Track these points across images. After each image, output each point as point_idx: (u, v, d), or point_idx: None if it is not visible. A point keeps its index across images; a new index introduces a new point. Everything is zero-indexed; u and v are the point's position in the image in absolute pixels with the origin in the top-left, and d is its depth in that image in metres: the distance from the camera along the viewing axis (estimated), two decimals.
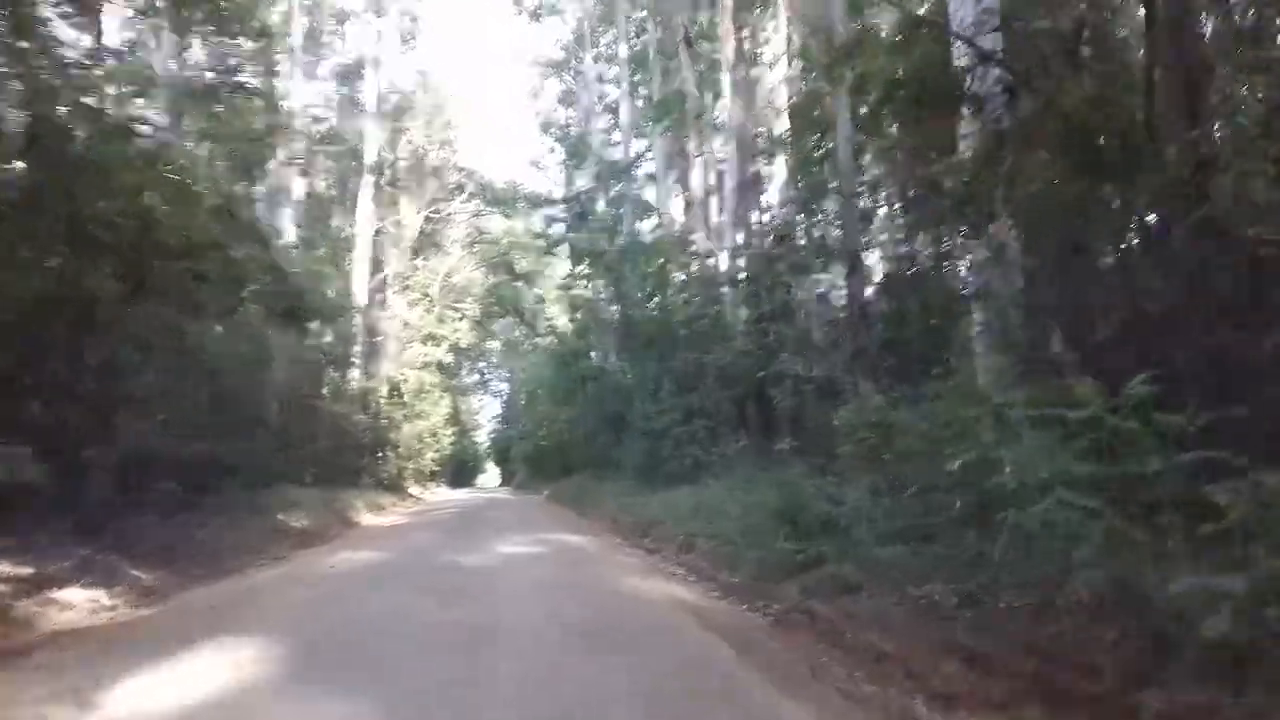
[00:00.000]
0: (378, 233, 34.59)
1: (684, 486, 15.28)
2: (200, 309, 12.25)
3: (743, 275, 16.95)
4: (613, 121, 42.45)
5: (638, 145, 35.86)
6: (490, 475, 71.80)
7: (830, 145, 16.52)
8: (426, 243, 38.70)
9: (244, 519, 14.81)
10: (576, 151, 42.42)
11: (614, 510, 16.68)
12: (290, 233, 24.64)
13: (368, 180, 30.38)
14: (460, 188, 42.97)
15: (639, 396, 19.65)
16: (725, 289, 17.75)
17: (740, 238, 20.04)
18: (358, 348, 29.56)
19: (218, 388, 15.27)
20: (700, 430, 16.92)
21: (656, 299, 21.90)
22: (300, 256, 24.03)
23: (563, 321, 49.78)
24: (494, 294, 48.71)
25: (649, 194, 36.09)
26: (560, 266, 52.64)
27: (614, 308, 25.93)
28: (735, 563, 8.67)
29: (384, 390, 31.19)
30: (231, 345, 15.37)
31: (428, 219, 39.04)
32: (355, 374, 29.29)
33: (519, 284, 51.14)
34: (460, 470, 63.38)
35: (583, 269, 30.57)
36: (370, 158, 30.47)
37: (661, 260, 21.77)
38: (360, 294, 29.67)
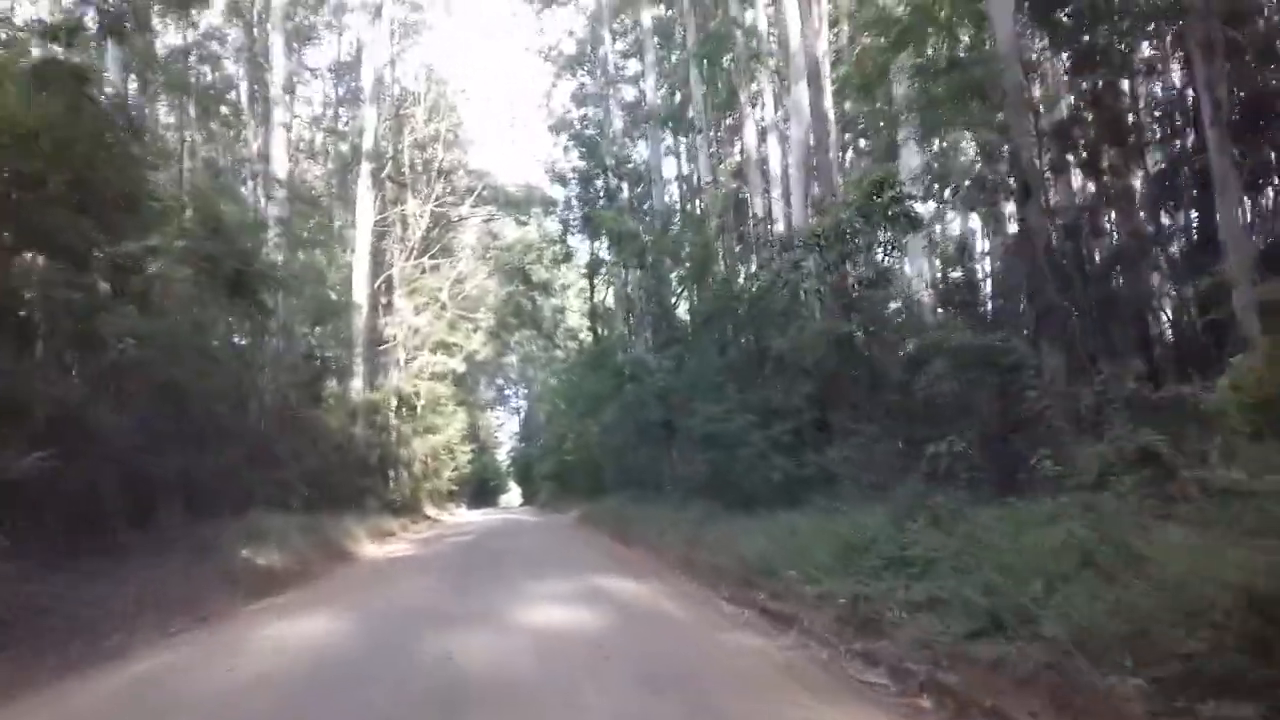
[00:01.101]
0: (383, 233, 30.55)
1: (770, 511, 11.00)
2: (86, 254, 8.05)
3: (820, 233, 12.46)
4: (629, 119, 38.35)
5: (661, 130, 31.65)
6: (513, 495, 67.43)
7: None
8: (436, 248, 34.55)
9: (188, 560, 10.71)
10: (593, 149, 38.30)
11: (678, 542, 12.19)
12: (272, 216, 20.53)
13: (365, 169, 26.30)
14: (471, 190, 38.96)
15: (698, 395, 15.28)
16: (799, 253, 13.24)
17: (816, 190, 15.65)
18: (359, 354, 25.40)
19: (150, 386, 11.04)
20: (785, 436, 12.59)
21: (716, 275, 17.65)
22: (281, 240, 19.92)
23: (583, 331, 45.91)
24: (510, 303, 44.62)
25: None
26: (579, 277, 48.93)
27: (645, 299, 21.61)
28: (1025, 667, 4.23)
29: (391, 402, 26.97)
30: (168, 328, 11.06)
31: (436, 222, 34.96)
32: (357, 384, 25.11)
33: (535, 294, 47.15)
34: (481, 490, 59.18)
35: (607, 257, 26.35)
36: (368, 143, 26.41)
37: (715, 223, 17.47)
38: (360, 294, 25.52)
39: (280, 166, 21.26)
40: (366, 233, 26.41)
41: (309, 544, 14.96)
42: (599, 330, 42.08)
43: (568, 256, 44.53)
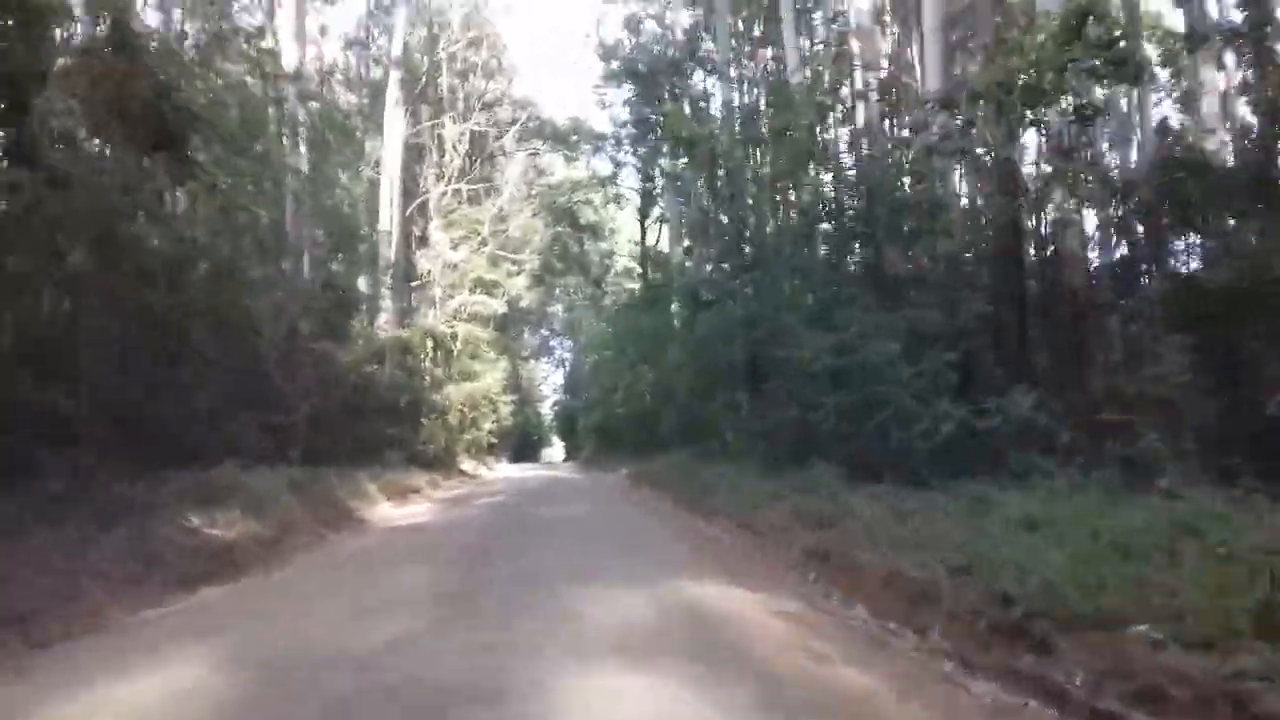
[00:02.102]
0: (417, 155, 26.93)
1: (941, 481, 7.35)
2: None
3: (1001, 84, 8.46)
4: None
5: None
6: (555, 450, 64.22)
7: None
8: (477, 180, 30.89)
9: (103, 528, 7.38)
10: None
11: (792, 522, 8.27)
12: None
13: (394, 78, 22.59)
14: (514, 122, 35.23)
15: (801, 323, 11.44)
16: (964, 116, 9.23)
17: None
18: (388, 287, 21.93)
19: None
20: (947, 372, 8.84)
21: (822, 167, 13.71)
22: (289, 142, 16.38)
23: (634, 277, 42.08)
24: (556, 245, 40.94)
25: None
26: (629, 222, 45.04)
27: (718, 217, 17.65)
28: None
29: (426, 343, 23.48)
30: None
31: (477, 151, 31.29)
32: (385, 320, 21.64)
33: (584, 237, 43.41)
34: (524, 444, 55.99)
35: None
36: (397, 48, 22.70)
37: (819, 100, 13.43)
38: (388, 219, 21.98)
39: (290, 51, 17.59)
40: (396, 151, 22.79)
41: (300, 506, 11.63)
42: (650, 275, 38.37)
43: (618, 198, 40.76)
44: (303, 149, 18.22)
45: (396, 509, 14.71)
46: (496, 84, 34.14)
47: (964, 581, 4.64)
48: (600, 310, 43.54)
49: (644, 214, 40.51)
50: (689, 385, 20.94)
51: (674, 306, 29.34)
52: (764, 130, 14.88)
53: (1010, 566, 4.47)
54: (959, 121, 8.72)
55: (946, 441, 8.15)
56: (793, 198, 15.25)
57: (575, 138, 38.97)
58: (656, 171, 33.93)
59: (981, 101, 8.44)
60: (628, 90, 27.83)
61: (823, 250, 13.06)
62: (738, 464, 14.30)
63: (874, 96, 13.51)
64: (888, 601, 5.18)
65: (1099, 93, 9.12)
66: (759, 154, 16.06)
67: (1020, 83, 8.07)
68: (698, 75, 26.13)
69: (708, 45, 25.18)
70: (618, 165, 39.96)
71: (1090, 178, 9.60)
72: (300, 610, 5.67)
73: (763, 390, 13.84)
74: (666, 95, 22.00)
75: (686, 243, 26.81)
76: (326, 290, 19.21)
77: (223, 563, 7.80)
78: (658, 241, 39.55)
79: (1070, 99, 8.77)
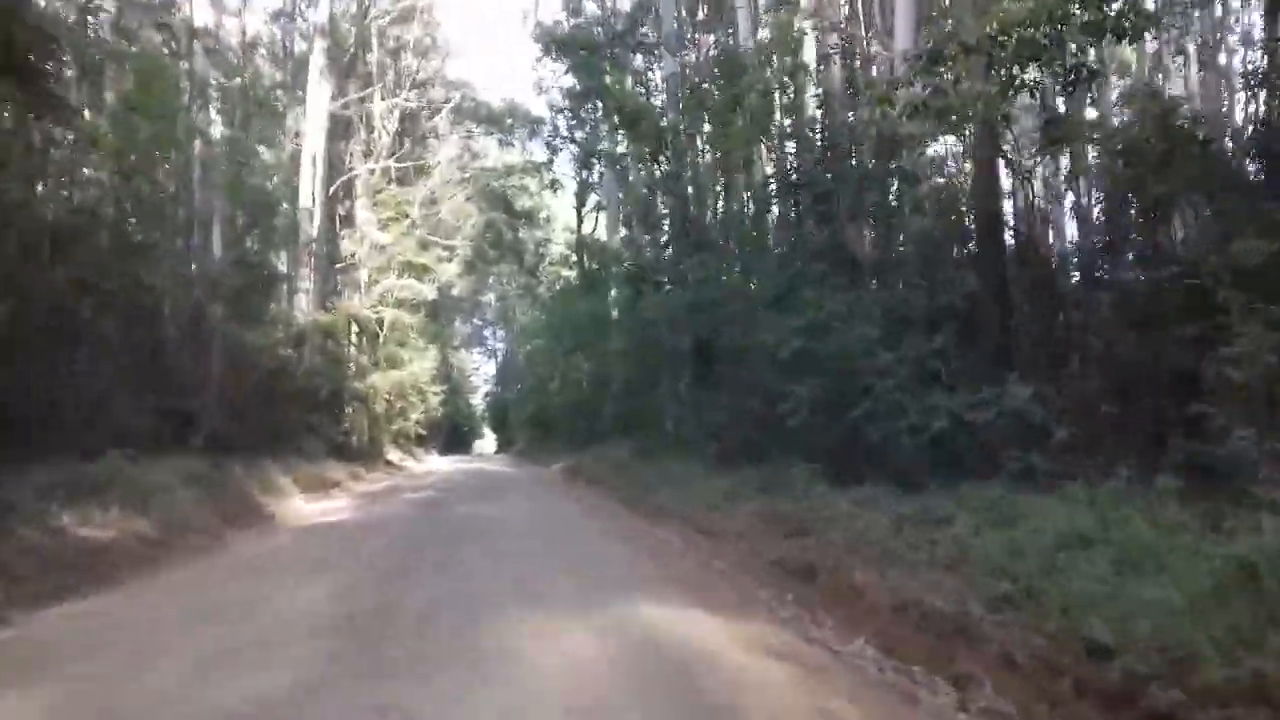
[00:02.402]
0: (344, 131, 25.44)
1: (929, 484, 6.57)
2: None
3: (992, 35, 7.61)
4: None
5: None
6: (487, 442, 62.75)
7: None
8: (408, 161, 29.45)
9: None
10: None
11: (758, 528, 7.40)
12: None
13: (319, 47, 21.15)
14: (448, 102, 33.90)
15: (764, 305, 10.52)
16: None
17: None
18: (309, 267, 20.52)
19: None
20: (931, 359, 8.00)
21: (780, 134, 12.79)
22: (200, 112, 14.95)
23: (569, 266, 40.89)
24: (489, 231, 39.54)
25: None
26: (565, 210, 43.79)
27: (664, 197, 16.69)
28: None
29: (351, 328, 22.11)
30: None
31: (408, 132, 29.89)
32: (305, 302, 20.23)
33: (518, 224, 42.08)
34: (454, 436, 54.48)
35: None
36: (322, 15, 21.22)
37: (780, 63, 12.50)
38: (309, 194, 20.54)
39: (203, 13, 16.17)
40: (320, 123, 21.32)
41: (198, 501, 10.44)
42: (586, 264, 37.29)
43: (554, 184, 39.54)
44: (215, 115, 16.76)
45: (312, 504, 13.47)
46: (430, 62, 32.73)
47: (1012, 618, 3.69)
48: (535, 299, 42.32)
49: (580, 200, 39.46)
50: (628, 374, 20.03)
51: (612, 293, 28.40)
52: (712, 102, 13.89)
53: (1082, 602, 3.52)
54: (947, 78, 7.88)
55: (937, 437, 7.29)
56: (745, 177, 14.36)
57: (510, 121, 37.75)
58: (596, 156, 32.95)
59: (971, 57, 7.62)
60: (565, 66, 26.58)
61: (779, 229, 12.21)
62: (683, 458, 13.42)
63: (836, 60, 12.68)
64: (903, 637, 4.14)
65: (1092, 55, 8.37)
66: (705, 129, 15.13)
67: (1015, 37, 7.26)
68: (640, 59, 25.10)
69: (650, 33, 24.23)
70: (554, 150, 38.96)
71: (1087, 144, 8.84)
72: (156, 644, 4.48)
73: (711, 379, 12.96)
74: (607, 69, 20.95)
75: (624, 231, 25.81)
76: (238, 267, 17.78)
77: (91, 571, 6.61)
78: (595, 229, 38.54)
79: (1068, 58, 8.00)
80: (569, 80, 31.71)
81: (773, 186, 12.70)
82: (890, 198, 9.82)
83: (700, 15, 25.93)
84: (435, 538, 9.25)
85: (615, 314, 25.44)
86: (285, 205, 20.41)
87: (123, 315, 12.57)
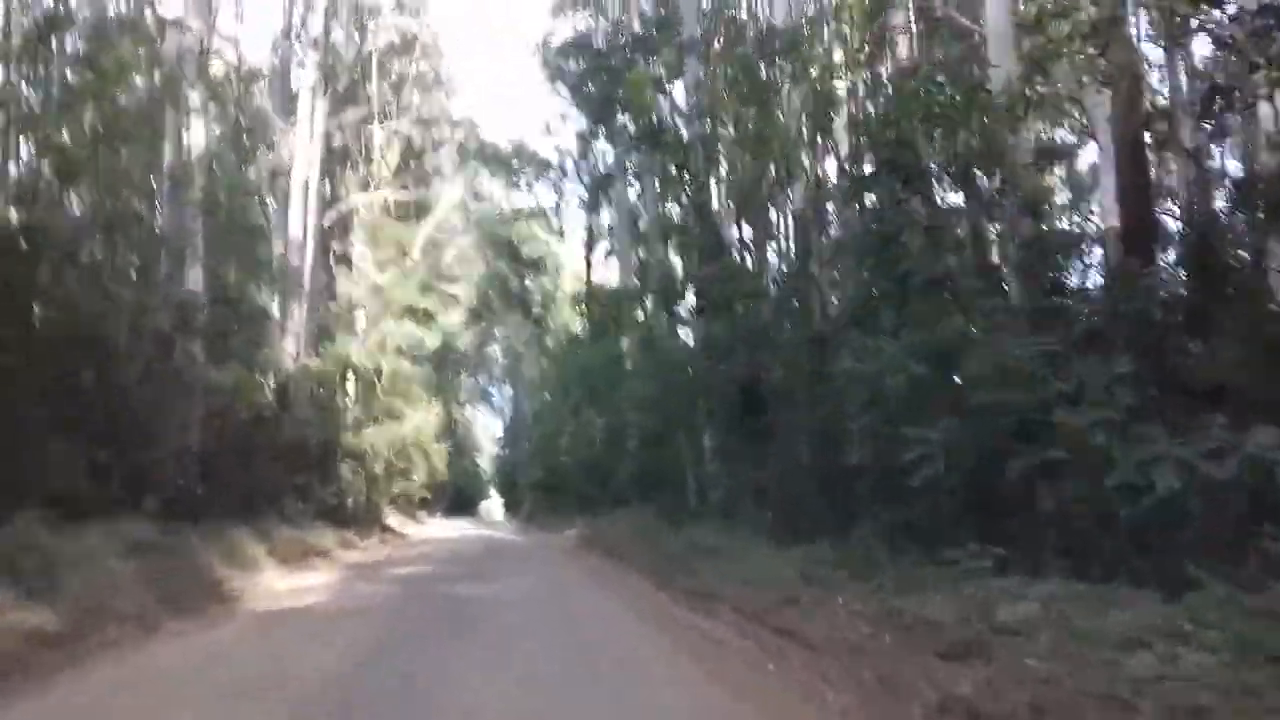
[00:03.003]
0: (343, 160, 23.41)
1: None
2: None
3: None
4: None
5: None
6: (494, 504, 59.91)
7: None
8: (410, 198, 27.45)
9: None
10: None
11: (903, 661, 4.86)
12: None
13: (311, 61, 19.16)
14: (453, 137, 32.10)
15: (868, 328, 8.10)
16: None
17: None
18: (298, 307, 18.24)
19: None
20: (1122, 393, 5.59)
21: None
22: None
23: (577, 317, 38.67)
24: (495, 280, 37.41)
25: None
26: (572, 257, 41.76)
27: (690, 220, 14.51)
28: None
29: (348, 376, 19.77)
30: None
31: (410, 168, 27.90)
32: (293, 346, 17.91)
33: (526, 272, 39.92)
34: (459, 498, 51.76)
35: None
36: (316, 27, 19.28)
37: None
38: (299, 225, 18.36)
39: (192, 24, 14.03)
40: (313, 147, 19.24)
41: (138, 579, 8.02)
42: (596, 313, 35.16)
43: (561, 231, 37.71)
44: (196, 126, 14.65)
45: (287, 579, 10.97)
46: (433, 96, 31.01)
47: None
48: (543, 350, 39.98)
49: (589, 248, 37.53)
50: (647, 426, 17.58)
51: (624, 343, 26.08)
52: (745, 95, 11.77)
53: None
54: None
55: (1164, 504, 4.82)
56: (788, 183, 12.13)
57: (516, 163, 35.89)
58: (607, 194, 31.04)
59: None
60: (577, 74, 24.52)
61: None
62: (719, 526, 11.02)
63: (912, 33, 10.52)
64: None
65: None
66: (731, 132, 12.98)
67: None
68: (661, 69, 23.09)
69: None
70: (561, 194, 37.15)
71: None
72: None
73: (759, 428, 10.59)
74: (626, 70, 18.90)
75: (640, 256, 23.53)
76: (218, 304, 15.48)
77: None
78: (608, 278, 36.58)
79: None
80: (577, 117, 30.25)
81: (833, 184, 10.49)
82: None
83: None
84: (423, 634, 6.79)
85: (629, 364, 23.18)
86: (271, 234, 18.21)
87: (59, 348, 10.24)
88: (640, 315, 23.27)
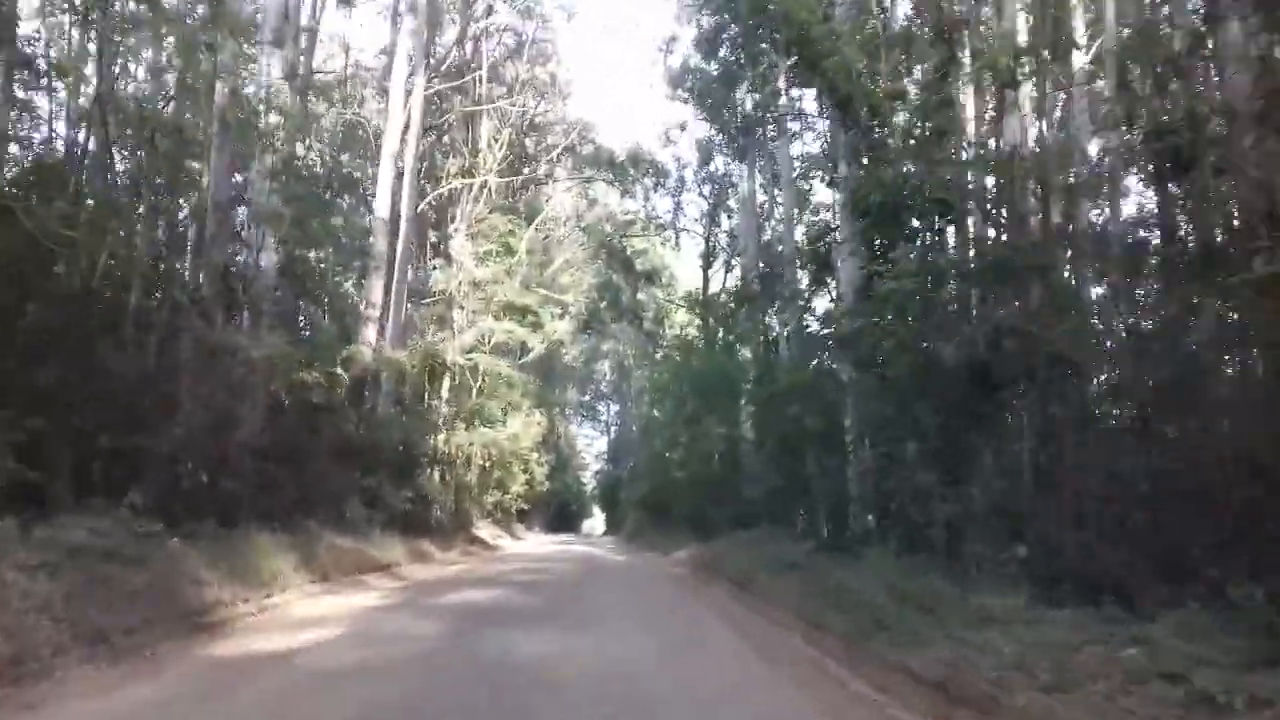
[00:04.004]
0: (445, 147, 21.19)
1: None
2: None
3: None
4: None
5: None
6: (595, 522, 57.23)
7: None
8: (518, 191, 25.20)
9: None
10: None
11: None
12: None
13: (407, 26, 16.86)
14: (569, 150, 29.80)
15: None
16: None
17: None
18: (379, 291, 15.83)
19: None
20: None
21: None
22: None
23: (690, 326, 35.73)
24: (607, 292, 34.83)
25: None
26: (687, 273, 39.05)
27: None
28: None
29: (424, 369, 17.29)
30: None
31: (518, 165, 25.56)
32: (372, 335, 15.49)
33: (638, 283, 37.20)
34: (561, 513, 49.37)
35: None
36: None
37: None
38: (387, 200, 15.99)
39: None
40: (410, 123, 16.91)
41: (60, 600, 5.42)
42: (711, 324, 32.12)
43: (677, 238, 34.97)
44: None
45: (310, 604, 8.30)
46: (544, 98, 28.76)
47: None
48: (654, 365, 37.15)
49: (707, 262, 34.81)
50: (785, 437, 14.40)
51: (745, 353, 23.13)
52: None
53: None
54: None
55: None
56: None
57: (633, 173, 33.33)
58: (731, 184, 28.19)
59: None
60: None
61: None
62: (893, 562, 7.81)
63: None
64: None
65: None
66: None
67: None
68: None
69: None
70: (679, 205, 34.60)
71: None
72: None
73: (995, 424, 7.32)
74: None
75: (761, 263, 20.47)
76: (287, 275, 13.18)
77: None
78: (724, 284, 33.93)
79: None
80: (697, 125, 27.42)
81: None
82: None
83: None
84: None
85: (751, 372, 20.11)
86: (352, 209, 15.92)
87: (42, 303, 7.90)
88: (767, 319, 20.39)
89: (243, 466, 10.25)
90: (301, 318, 16.25)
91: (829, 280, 18.94)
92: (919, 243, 9.28)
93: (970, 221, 9.64)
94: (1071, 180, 8.67)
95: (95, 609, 5.80)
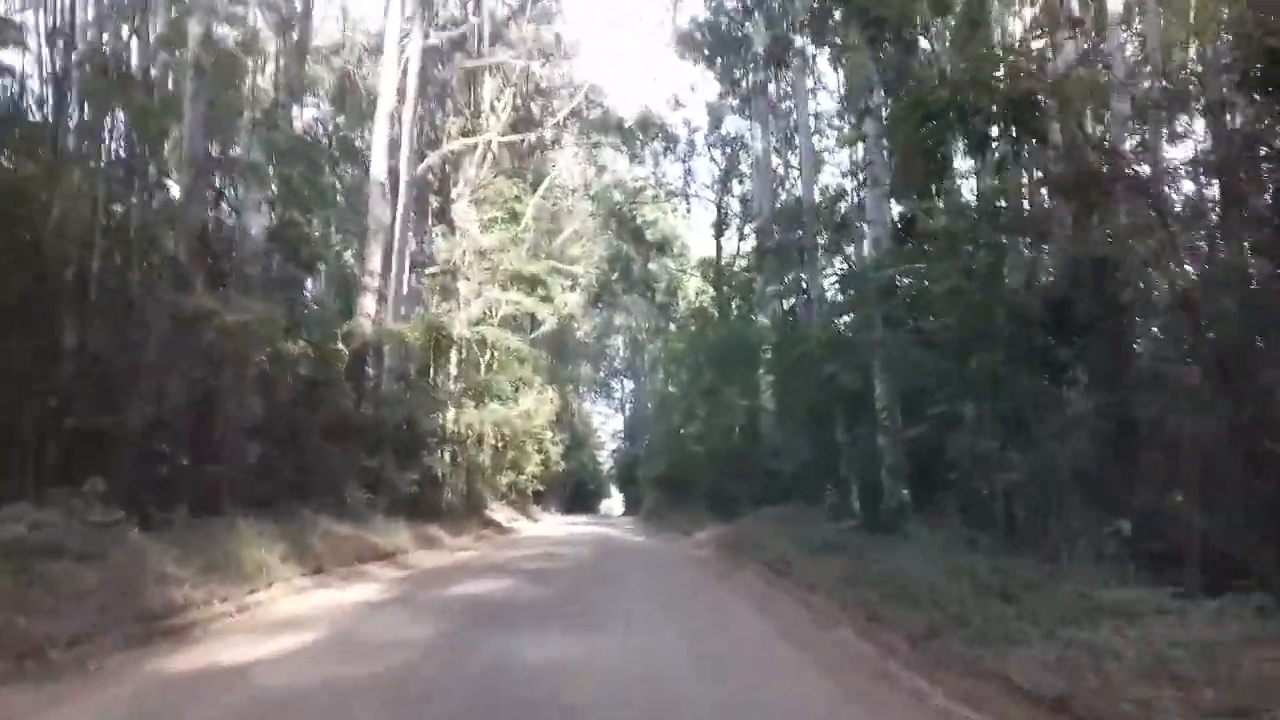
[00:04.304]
0: (446, 107, 20.07)
1: None
2: None
3: None
4: None
5: None
6: (613, 502, 56.26)
7: None
8: (524, 155, 24.06)
9: None
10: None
11: None
12: None
13: None
14: (575, 114, 28.57)
15: None
16: None
17: None
18: (377, 257, 14.78)
19: None
20: None
21: None
22: None
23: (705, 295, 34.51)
24: (618, 262, 33.68)
25: None
26: (698, 242, 37.87)
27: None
28: None
29: (431, 345, 16.24)
30: None
31: (522, 130, 24.36)
32: (371, 305, 14.46)
33: (649, 254, 36.00)
34: (578, 493, 48.41)
35: None
36: None
37: None
38: (383, 159, 14.89)
39: None
40: (400, 73, 15.79)
41: None
42: (725, 293, 30.96)
43: (688, 199, 33.78)
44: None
45: (296, 600, 7.28)
46: (552, 65, 27.53)
47: None
48: (667, 339, 36.08)
49: (719, 230, 33.68)
50: (813, 406, 13.35)
51: (761, 319, 22.03)
52: None
53: None
54: None
55: None
56: None
57: (641, 138, 32.13)
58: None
59: None
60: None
61: None
62: (953, 542, 6.79)
63: None
64: None
65: None
66: None
67: None
68: None
69: None
70: (690, 172, 33.44)
71: None
72: None
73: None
74: None
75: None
76: (275, 238, 12.16)
77: None
78: (737, 252, 32.90)
79: None
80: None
81: None
82: None
83: None
84: None
85: (773, 337, 18.99)
86: (353, 179, 14.83)
87: None
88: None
89: (228, 448, 9.26)
90: (306, 291, 15.30)
91: (847, 243, 17.90)
92: (984, 157, 8.06)
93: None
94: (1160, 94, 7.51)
95: (28, 616, 4.83)
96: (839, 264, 18.92)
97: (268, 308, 9.29)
